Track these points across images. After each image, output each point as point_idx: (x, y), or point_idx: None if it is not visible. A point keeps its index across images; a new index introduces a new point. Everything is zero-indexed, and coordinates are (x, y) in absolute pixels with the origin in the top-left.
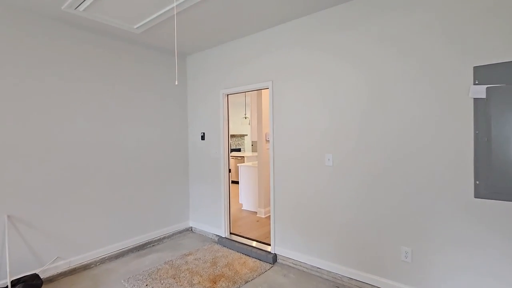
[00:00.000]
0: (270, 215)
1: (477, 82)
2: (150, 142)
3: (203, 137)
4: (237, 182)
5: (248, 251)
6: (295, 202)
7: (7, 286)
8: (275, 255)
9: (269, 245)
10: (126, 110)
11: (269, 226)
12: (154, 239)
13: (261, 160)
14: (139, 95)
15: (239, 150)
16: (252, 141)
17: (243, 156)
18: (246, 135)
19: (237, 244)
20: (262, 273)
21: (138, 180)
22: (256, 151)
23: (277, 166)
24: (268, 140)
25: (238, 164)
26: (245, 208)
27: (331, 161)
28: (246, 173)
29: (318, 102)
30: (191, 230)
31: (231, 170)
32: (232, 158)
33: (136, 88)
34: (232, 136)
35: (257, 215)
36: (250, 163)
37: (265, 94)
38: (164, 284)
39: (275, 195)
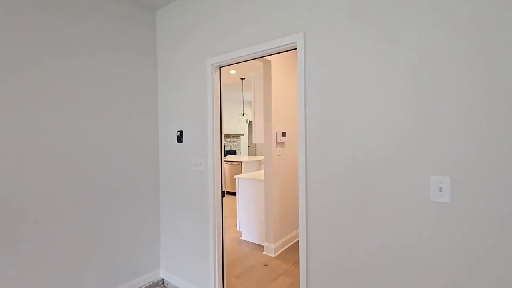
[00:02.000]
0: (283, 253)
1: None
2: (93, 149)
3: (180, 138)
4: (233, 193)
5: None
6: (350, 266)
7: None
8: None
9: None
10: (41, 93)
11: (284, 276)
12: None
13: (271, 170)
14: (70, 70)
15: (234, 152)
16: (254, 143)
17: (240, 162)
18: (243, 135)
19: None
20: None
21: (73, 210)
22: (255, 154)
23: (314, 189)
24: (280, 142)
25: (235, 176)
26: (245, 239)
27: (446, 193)
28: (247, 189)
29: (401, 76)
30: (163, 284)
31: (225, 179)
32: (227, 163)
33: (63, 57)
34: (227, 136)
35: (264, 252)
36: (250, 175)
37: (277, 74)
38: None
39: (309, 241)
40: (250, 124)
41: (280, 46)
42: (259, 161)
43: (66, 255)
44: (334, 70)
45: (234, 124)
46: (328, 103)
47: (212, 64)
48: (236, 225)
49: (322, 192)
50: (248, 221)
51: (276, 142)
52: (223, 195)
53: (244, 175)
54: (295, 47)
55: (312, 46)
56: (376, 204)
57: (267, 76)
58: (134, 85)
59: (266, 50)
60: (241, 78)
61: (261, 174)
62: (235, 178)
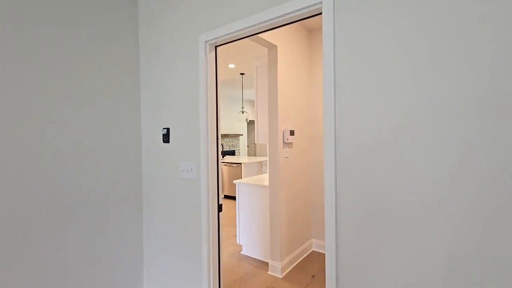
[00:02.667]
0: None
1: None
2: (61, 149)
3: (166, 137)
4: (232, 198)
5: None
6: None
7: None
8: None
9: None
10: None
11: None
12: None
13: (277, 175)
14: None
15: (233, 153)
16: (254, 143)
17: (240, 163)
18: (242, 134)
19: None
20: None
21: (34, 225)
22: (255, 155)
23: (347, 213)
24: (287, 142)
25: (235, 182)
26: (246, 254)
27: None
28: (248, 196)
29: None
30: None
31: (223, 182)
32: (225, 165)
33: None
34: (225, 135)
35: (269, 271)
36: (252, 180)
37: (284, 61)
38: None
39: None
40: (249, 123)
41: (295, 12)
42: (260, 162)
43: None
44: (376, 46)
45: (233, 123)
46: (366, 93)
47: (206, 42)
48: (235, 236)
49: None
50: (250, 234)
51: (283, 142)
52: (219, 210)
53: (245, 180)
54: (318, 9)
55: (344, 9)
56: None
57: (273, 63)
58: (113, 75)
59: (275, 18)
60: (241, 73)
61: (264, 178)
62: (235, 184)
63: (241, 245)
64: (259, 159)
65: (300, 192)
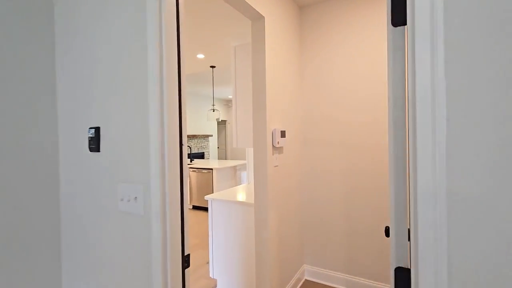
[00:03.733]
0: None
1: None
2: None
3: (94, 143)
4: (203, 209)
5: None
6: None
7: None
8: None
9: None
10: None
11: None
12: None
13: (264, 190)
14: None
15: (202, 156)
16: (227, 145)
17: (211, 169)
18: (212, 135)
19: None
20: None
21: None
22: (225, 158)
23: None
24: (278, 147)
25: (207, 198)
26: None
27: None
28: (225, 216)
29: None
30: None
31: (191, 191)
32: (193, 170)
33: None
34: (193, 136)
35: None
36: (229, 194)
37: (274, 39)
38: None
39: None
40: (220, 123)
41: None
42: (234, 167)
43: None
44: None
45: (202, 123)
46: None
47: None
48: (208, 263)
49: None
50: (227, 265)
51: (273, 146)
52: (185, 265)
53: (220, 194)
54: None
55: None
56: None
57: (259, 41)
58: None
59: None
60: (211, 66)
61: (243, 191)
62: (207, 200)
63: (215, 280)
64: (232, 163)
65: (292, 211)
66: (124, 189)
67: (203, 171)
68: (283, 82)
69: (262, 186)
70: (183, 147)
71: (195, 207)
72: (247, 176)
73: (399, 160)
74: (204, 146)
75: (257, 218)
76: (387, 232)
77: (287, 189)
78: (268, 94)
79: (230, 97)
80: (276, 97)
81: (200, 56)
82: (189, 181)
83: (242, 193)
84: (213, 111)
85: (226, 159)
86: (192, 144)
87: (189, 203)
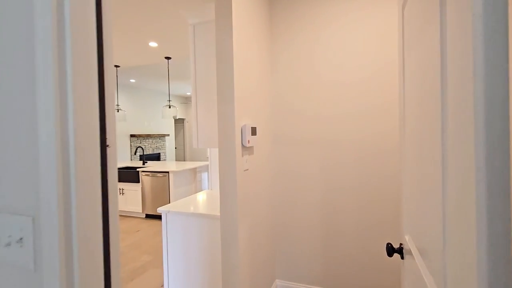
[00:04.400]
0: None
1: None
2: None
3: None
4: (158, 217)
5: None
6: None
7: None
8: None
9: None
10: None
11: None
12: None
13: (234, 201)
14: None
15: (158, 157)
16: (188, 145)
17: (167, 172)
18: (168, 135)
19: None
20: None
21: None
22: (184, 159)
23: None
24: (248, 147)
25: (160, 210)
26: None
27: None
28: (184, 232)
29: None
30: None
31: (143, 197)
32: (147, 175)
33: None
34: (147, 136)
35: None
36: (192, 205)
37: (242, 18)
38: None
39: None
40: (177, 121)
41: None
42: (193, 170)
43: None
44: None
45: (158, 121)
46: None
47: None
48: (163, 287)
49: None
50: None
51: (242, 145)
52: None
53: (176, 205)
54: None
55: None
56: None
57: (225, 17)
58: None
59: None
60: (166, 58)
61: (204, 198)
62: (160, 212)
63: None
64: (192, 164)
65: (264, 220)
66: None
67: (158, 174)
68: (254, 68)
69: (229, 196)
70: (110, 149)
71: (149, 216)
72: (209, 180)
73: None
74: (160, 147)
75: (223, 234)
76: (389, 251)
77: (259, 195)
78: (237, 82)
79: (189, 93)
80: (245, 86)
81: (153, 44)
82: (142, 187)
83: (204, 202)
84: (169, 107)
85: (184, 161)
86: (146, 144)
87: (141, 211)
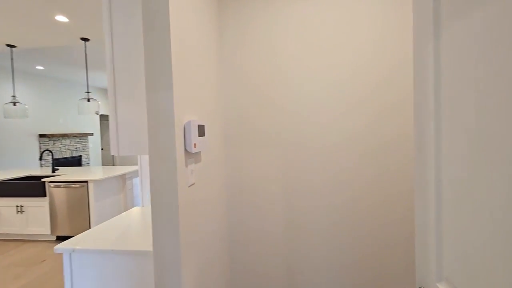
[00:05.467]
0: None
1: None
2: None
3: None
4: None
5: None
6: None
7: None
8: None
9: None
10: None
11: None
12: None
13: (175, 230)
14: None
15: (78, 161)
16: (118, 156)
17: (85, 182)
18: (92, 134)
19: None
20: None
21: None
22: (113, 163)
23: None
24: (195, 153)
25: (59, 249)
26: None
27: None
28: (96, 277)
29: None
30: None
31: (55, 216)
32: (57, 186)
33: None
34: (63, 136)
35: None
36: (112, 236)
37: None
38: None
39: None
40: (104, 118)
41: None
42: (123, 176)
43: None
44: None
45: (79, 118)
46: None
47: None
48: None
49: None
50: None
51: (186, 151)
52: None
53: (87, 238)
54: None
55: None
56: None
57: None
58: None
59: None
60: (83, 39)
61: (132, 221)
62: (64, 253)
63: None
64: (120, 170)
65: (219, 258)
66: None
67: (74, 185)
68: (198, 47)
69: (167, 226)
70: None
71: (61, 238)
72: (141, 193)
73: None
74: (81, 149)
75: (159, 281)
76: None
77: (210, 219)
78: (177, 59)
79: None
80: (188, 68)
81: (61, 18)
82: (50, 202)
83: (132, 228)
84: (88, 100)
85: (114, 165)
86: (61, 146)
87: (50, 233)
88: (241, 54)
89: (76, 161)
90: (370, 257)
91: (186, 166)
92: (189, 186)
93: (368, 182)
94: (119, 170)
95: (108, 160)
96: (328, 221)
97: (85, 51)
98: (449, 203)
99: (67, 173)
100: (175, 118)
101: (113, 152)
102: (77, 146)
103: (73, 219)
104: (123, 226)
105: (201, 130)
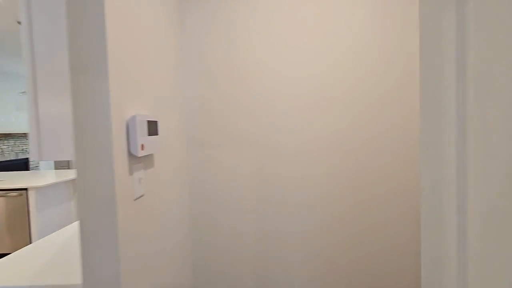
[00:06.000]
0: None
1: None
2: None
3: None
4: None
5: None
6: None
7: None
8: None
9: None
10: None
11: None
12: None
13: (112, 268)
14: None
15: (25, 164)
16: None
17: (25, 189)
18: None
19: None
20: None
21: None
22: (68, 166)
23: None
24: (141, 157)
25: None
26: None
27: None
28: None
29: None
30: None
31: None
32: None
33: None
34: (5, 136)
35: None
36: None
37: None
38: None
39: None
40: None
41: None
42: (73, 181)
43: None
44: None
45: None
46: None
47: None
48: None
49: None
50: None
51: (130, 155)
52: None
53: (2, 266)
54: None
55: None
56: None
57: None
58: None
59: None
60: (20, 22)
61: (70, 240)
62: None
63: None
64: (71, 174)
65: (178, 273)
66: None
67: (11, 193)
68: (151, 26)
69: (100, 255)
70: None
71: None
72: None
73: None
74: (28, 150)
75: None
76: None
77: (168, 232)
78: (115, 35)
79: None
80: (134, 47)
81: None
82: None
83: (69, 249)
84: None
85: (69, 168)
86: (4, 147)
87: None
88: (206, 40)
89: (21, 165)
90: (346, 260)
91: (131, 173)
92: (135, 199)
93: (344, 183)
94: (72, 174)
95: (63, 163)
96: (302, 241)
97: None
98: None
99: (4, 179)
100: (112, 111)
101: (33, 157)
102: (24, 147)
103: (12, 234)
104: (59, 245)
105: (153, 128)
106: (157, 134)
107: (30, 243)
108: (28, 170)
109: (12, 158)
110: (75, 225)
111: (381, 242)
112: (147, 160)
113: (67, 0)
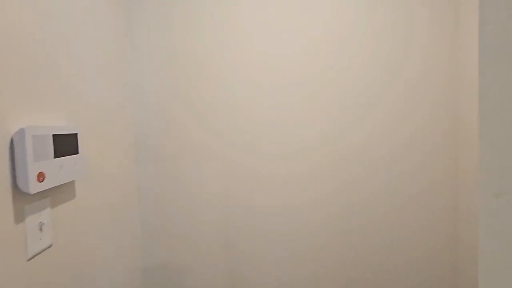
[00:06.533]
0: None
1: None
2: None
3: None
4: None
5: None
6: None
7: None
8: None
9: None
10: None
11: None
12: None
13: None
14: None
15: None
16: None
17: None
18: None
19: None
20: None
21: None
22: None
23: None
24: (33, 193)
25: None
26: None
27: None
28: None
29: None
30: None
31: None
32: None
33: None
34: None
35: None
36: None
37: None
38: None
39: None
40: None
41: None
42: None
43: None
44: None
45: None
46: None
47: None
48: None
49: None
50: None
51: (15, 188)
52: None
53: None
54: None
55: None
56: None
57: None
58: None
59: None
60: None
61: None
62: None
63: None
64: None
65: None
66: None
67: None
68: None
69: None
70: None
71: None
72: None
73: None
74: None
75: None
76: None
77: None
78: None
79: None
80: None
81: None
82: None
83: None
84: None
85: None
86: None
87: None
88: (164, 24)
89: None
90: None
91: (20, 219)
92: (32, 257)
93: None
94: None
95: None
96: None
97: None
98: None
99: None
100: None
101: None
102: None
103: None
104: None
105: (67, 144)
106: (77, 153)
107: None
108: None
109: None
110: None
111: (365, 245)
112: (57, 194)
113: None
